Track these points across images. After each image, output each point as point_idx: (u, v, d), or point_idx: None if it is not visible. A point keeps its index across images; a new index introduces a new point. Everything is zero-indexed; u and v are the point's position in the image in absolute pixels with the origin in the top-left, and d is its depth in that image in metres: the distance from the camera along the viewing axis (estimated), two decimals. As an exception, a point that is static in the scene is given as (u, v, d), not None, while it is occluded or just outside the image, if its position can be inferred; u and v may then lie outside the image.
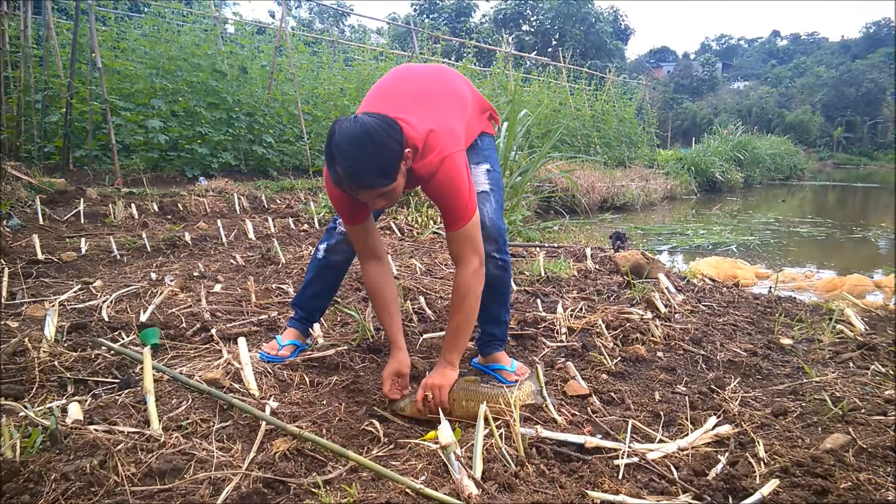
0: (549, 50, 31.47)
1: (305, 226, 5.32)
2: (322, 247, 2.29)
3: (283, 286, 3.23)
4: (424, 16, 31.98)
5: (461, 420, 1.82)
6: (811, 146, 41.95)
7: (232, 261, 3.88)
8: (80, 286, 3.10)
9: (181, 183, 6.85)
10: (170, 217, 5.30)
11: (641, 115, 17.46)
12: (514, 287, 3.56)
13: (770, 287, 3.90)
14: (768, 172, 19.80)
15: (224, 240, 4.51)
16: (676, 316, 2.94)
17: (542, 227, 6.32)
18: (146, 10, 8.99)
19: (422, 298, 3.01)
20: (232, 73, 7.48)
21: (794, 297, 3.77)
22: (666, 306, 3.01)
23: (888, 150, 44.84)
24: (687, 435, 1.74)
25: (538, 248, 4.85)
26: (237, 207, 5.94)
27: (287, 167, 8.30)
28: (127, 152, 7.14)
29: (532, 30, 31.08)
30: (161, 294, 2.85)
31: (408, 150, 1.73)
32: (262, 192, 6.50)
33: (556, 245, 5.05)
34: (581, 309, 3.11)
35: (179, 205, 5.60)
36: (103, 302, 2.84)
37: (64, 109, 6.72)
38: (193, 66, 7.33)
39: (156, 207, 5.42)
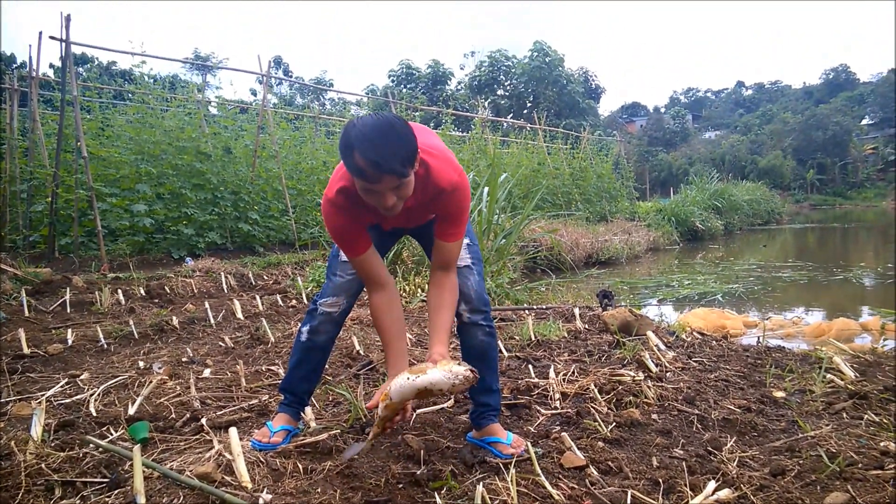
0: (525, 111, 32.35)
1: (294, 301, 5.32)
2: (304, 329, 2.29)
3: (272, 367, 3.20)
4: (402, 86, 32.90)
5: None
6: (786, 189, 42.92)
7: (221, 343, 3.86)
8: (66, 380, 3.05)
9: (168, 265, 6.85)
10: (157, 301, 5.28)
11: (618, 169, 17.87)
12: (506, 353, 3.56)
13: (758, 337, 3.93)
14: (747, 218, 20.17)
15: (212, 321, 4.49)
16: (668, 375, 2.95)
17: (530, 288, 6.35)
18: (130, 97, 9.20)
19: (413, 372, 3.00)
20: (216, 154, 7.61)
21: (783, 347, 3.80)
22: (657, 365, 3.02)
23: (861, 189, 45.98)
24: (687, 502, 1.72)
25: (527, 311, 4.86)
26: (224, 286, 5.93)
27: (273, 242, 8.35)
28: (113, 236, 7.17)
29: (507, 93, 32.03)
30: (149, 384, 2.82)
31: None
32: (249, 270, 6.52)
33: (544, 306, 5.07)
34: (573, 372, 3.10)
35: (166, 287, 5.59)
36: (91, 395, 2.80)
37: (49, 199, 6.77)
38: (178, 150, 7.47)
39: (143, 292, 5.40)
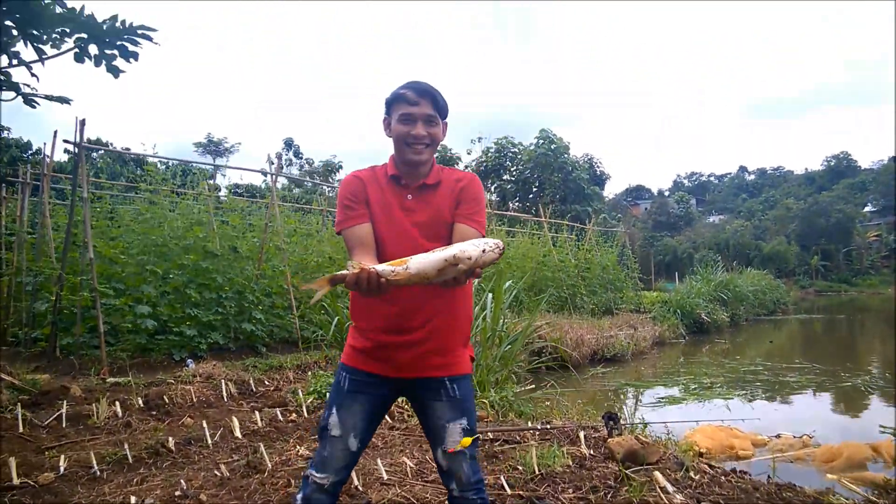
0: (531, 196, 32.83)
1: (294, 415, 5.22)
2: (299, 497, 2.22)
3: (267, 512, 3.10)
4: (410, 170, 33.35)
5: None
6: (790, 275, 42.91)
7: (216, 472, 3.75)
8: (54, 522, 2.96)
9: (168, 367, 6.79)
10: (154, 413, 5.19)
11: (623, 260, 17.94)
12: (508, 490, 3.45)
13: (768, 476, 3.81)
14: (753, 309, 20.04)
15: (209, 441, 4.39)
16: (676, 530, 2.84)
17: (534, 398, 6.21)
18: (139, 192, 9.36)
19: (412, 522, 2.90)
20: (223, 254, 7.69)
21: (794, 485, 3.67)
22: (664, 518, 2.92)
23: (866, 276, 45.93)
24: None
25: (530, 432, 4.75)
26: (224, 394, 5.85)
27: (276, 340, 8.31)
28: (115, 334, 7.13)
29: (513, 178, 32.65)
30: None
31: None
32: (250, 375, 6.45)
33: (548, 425, 4.95)
34: (578, 518, 3.00)
35: (165, 397, 5.50)
36: (77, 544, 2.71)
37: (54, 298, 6.80)
38: (184, 249, 7.54)
39: (140, 402, 5.33)
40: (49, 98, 4.62)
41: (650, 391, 8.43)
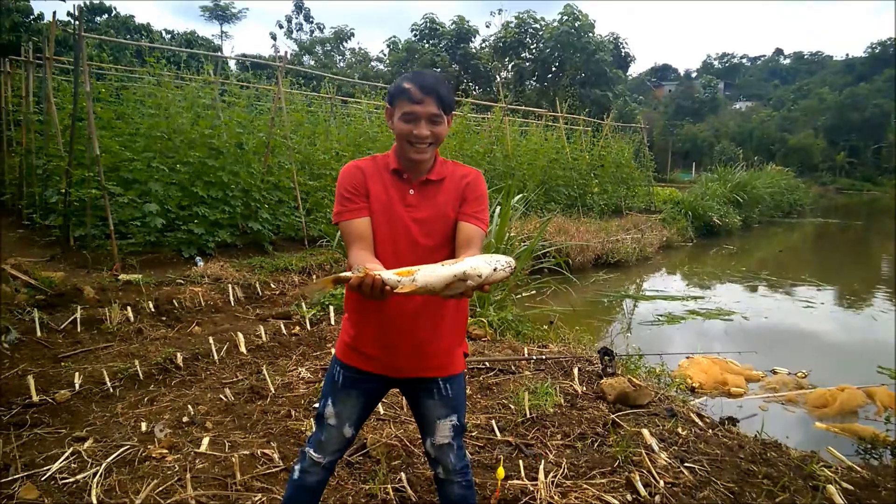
0: (549, 76, 31.55)
1: (297, 328, 5.38)
2: (297, 468, 2.33)
3: (267, 451, 3.25)
4: (425, 41, 32.02)
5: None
6: (813, 170, 41.97)
7: (222, 395, 3.93)
8: (70, 450, 3.14)
9: (177, 264, 6.92)
10: (164, 318, 5.37)
11: (639, 158, 17.52)
12: (498, 434, 3.61)
13: (757, 432, 3.93)
14: (768, 210, 19.80)
15: (216, 357, 4.57)
16: (657, 498, 2.98)
17: (532, 321, 6.28)
18: (149, 55, 8.98)
19: (403, 474, 3.05)
20: (229, 150, 7.55)
21: (780, 444, 3.79)
22: (646, 486, 3.05)
23: (892, 175, 44.67)
24: None
25: (526, 362, 4.88)
26: (231, 299, 6.01)
27: (282, 238, 8.37)
28: (125, 227, 7.19)
29: (532, 57, 31.16)
30: (148, 463, 2.91)
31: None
32: (256, 278, 6.57)
33: (543, 354, 5.08)
34: (564, 472, 3.16)
35: (174, 300, 5.66)
36: (94, 473, 2.91)
37: (63, 190, 6.81)
38: (189, 145, 7.40)
39: (151, 307, 5.49)
40: (42, -6, 4.36)
41: (649, 305, 8.56)
